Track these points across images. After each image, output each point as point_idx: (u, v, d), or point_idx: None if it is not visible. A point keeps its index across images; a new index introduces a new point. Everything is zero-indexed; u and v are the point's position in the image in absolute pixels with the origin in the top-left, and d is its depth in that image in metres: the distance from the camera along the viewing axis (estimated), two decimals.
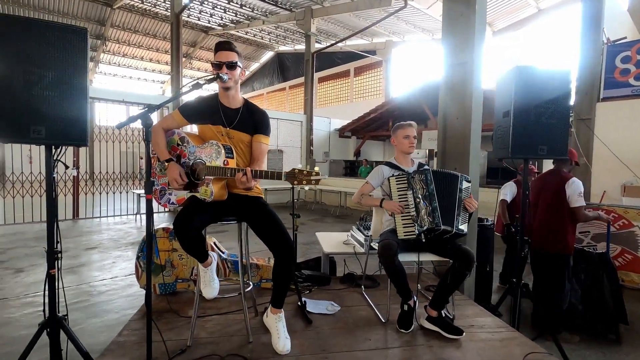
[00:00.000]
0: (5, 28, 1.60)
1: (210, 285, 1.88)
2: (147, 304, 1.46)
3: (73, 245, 5.28)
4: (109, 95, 8.00)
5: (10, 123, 1.63)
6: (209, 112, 1.87)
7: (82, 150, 7.47)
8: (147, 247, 1.47)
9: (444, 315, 2.15)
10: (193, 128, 2.09)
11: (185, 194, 1.82)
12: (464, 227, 2.23)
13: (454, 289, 2.14)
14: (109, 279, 3.86)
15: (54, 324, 1.82)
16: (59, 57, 1.69)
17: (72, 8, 12.47)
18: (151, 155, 1.92)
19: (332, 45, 12.41)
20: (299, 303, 2.33)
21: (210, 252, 1.94)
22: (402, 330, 2.11)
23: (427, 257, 2.24)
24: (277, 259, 1.81)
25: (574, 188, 2.66)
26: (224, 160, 1.72)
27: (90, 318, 2.89)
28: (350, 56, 15.59)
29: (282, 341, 1.84)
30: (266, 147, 1.92)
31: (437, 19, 10.61)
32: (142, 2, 12.28)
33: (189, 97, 1.93)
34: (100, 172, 7.79)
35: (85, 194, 7.65)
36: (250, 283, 2.16)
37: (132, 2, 12.22)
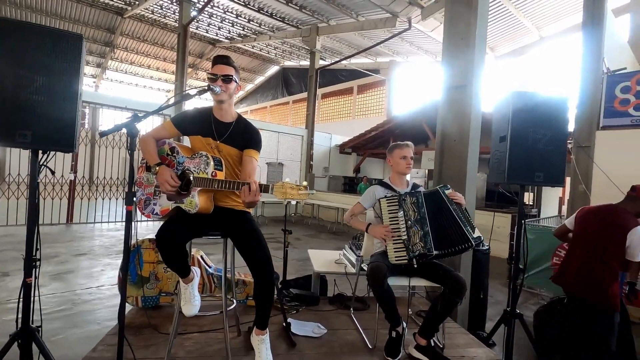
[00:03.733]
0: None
1: (190, 302, 1.80)
2: (119, 319, 1.40)
3: (63, 251, 5.19)
4: (112, 102, 8.06)
5: None
6: (200, 123, 1.85)
7: (82, 154, 7.45)
8: (124, 260, 1.41)
9: (433, 344, 2.06)
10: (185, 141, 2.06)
11: (170, 205, 1.77)
12: (477, 233, 2.07)
13: (444, 317, 2.06)
14: (95, 287, 3.77)
15: (26, 335, 1.74)
16: (52, 63, 1.67)
17: (83, 15, 12.71)
18: (139, 165, 1.90)
19: (336, 62, 12.56)
20: (284, 324, 2.25)
21: (193, 268, 1.88)
22: (389, 358, 2.02)
23: (418, 282, 2.17)
24: (256, 279, 1.75)
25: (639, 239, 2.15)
26: (212, 172, 1.68)
27: (70, 328, 2.79)
28: (354, 74, 15.77)
29: None
30: (257, 163, 1.89)
31: (440, 42, 10.71)
32: (152, 13, 12.51)
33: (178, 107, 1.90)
34: (98, 177, 7.76)
35: (81, 199, 7.58)
36: (234, 301, 2.08)
37: (142, 12, 12.45)
